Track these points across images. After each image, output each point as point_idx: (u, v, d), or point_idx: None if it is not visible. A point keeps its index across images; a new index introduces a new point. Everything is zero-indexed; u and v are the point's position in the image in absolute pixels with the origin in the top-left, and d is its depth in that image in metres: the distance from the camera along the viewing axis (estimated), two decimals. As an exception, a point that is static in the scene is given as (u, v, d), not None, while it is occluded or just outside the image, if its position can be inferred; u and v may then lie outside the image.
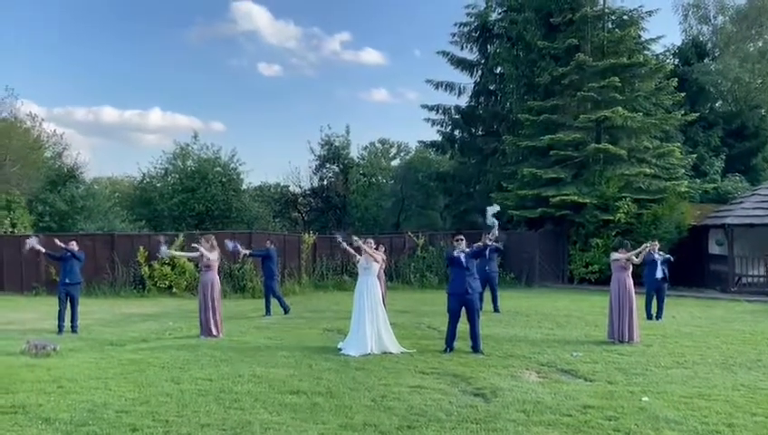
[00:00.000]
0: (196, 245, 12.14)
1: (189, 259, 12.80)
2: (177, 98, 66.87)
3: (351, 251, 10.75)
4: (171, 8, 63.51)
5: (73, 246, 12.61)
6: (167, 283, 20.30)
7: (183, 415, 6.29)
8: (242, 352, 9.79)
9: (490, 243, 9.98)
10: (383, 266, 11.97)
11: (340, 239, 11.01)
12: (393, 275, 22.42)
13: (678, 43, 33.60)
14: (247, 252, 15.90)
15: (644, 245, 12.57)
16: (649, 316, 14.12)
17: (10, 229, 22.75)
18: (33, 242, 12.45)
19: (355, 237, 10.71)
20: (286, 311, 15.07)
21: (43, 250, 12.53)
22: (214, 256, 11.85)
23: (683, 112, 26.10)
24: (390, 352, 9.70)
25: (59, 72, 62.14)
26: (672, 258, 14.74)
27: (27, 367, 8.50)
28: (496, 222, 11.15)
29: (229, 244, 13.41)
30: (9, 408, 6.50)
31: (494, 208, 12.60)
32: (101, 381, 7.65)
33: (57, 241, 12.68)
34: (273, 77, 65.41)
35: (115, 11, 62.41)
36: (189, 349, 10.04)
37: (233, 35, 64.91)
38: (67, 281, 12.32)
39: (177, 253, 14.02)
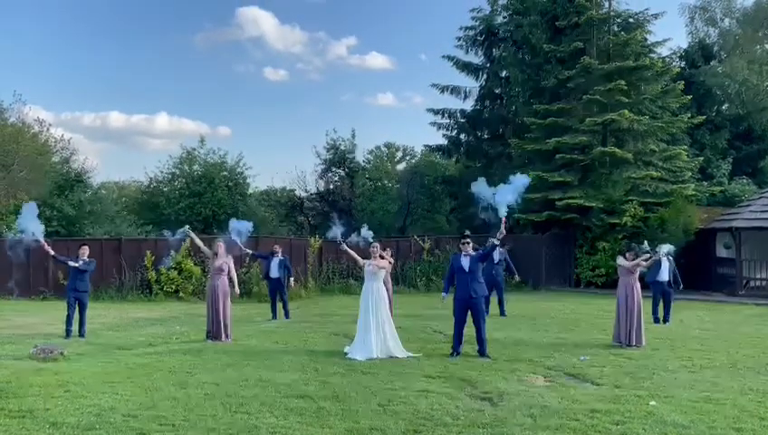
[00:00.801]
0: (218, 246, 12.08)
1: (202, 251, 12.69)
2: (183, 103, 67.15)
3: (352, 253, 10.65)
4: (178, 14, 63.86)
5: (85, 250, 12.61)
6: (173, 287, 20.36)
7: (189, 419, 6.30)
8: (248, 356, 9.80)
9: (497, 242, 9.93)
10: (390, 270, 11.94)
11: (339, 240, 10.78)
12: (399, 279, 22.43)
13: (685, 45, 33.61)
14: (249, 251, 15.83)
15: (653, 257, 12.51)
16: (656, 320, 14.07)
17: (18, 234, 22.86)
18: (36, 230, 11.86)
19: (375, 244, 10.67)
20: (287, 316, 15.13)
21: (52, 252, 12.49)
22: (225, 261, 11.90)
23: (689, 115, 26.04)
24: (396, 357, 9.69)
25: (66, 77, 62.52)
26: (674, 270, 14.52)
27: (35, 371, 8.53)
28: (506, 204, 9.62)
29: (234, 231, 13.28)
30: (17, 412, 6.53)
31: (481, 184, 10.12)
32: (108, 386, 7.67)
33: (72, 263, 12.42)
34: (280, 82, 65.58)
35: (122, 17, 62.79)
36: (196, 353, 10.07)
37: (239, 41, 65.16)
38: (76, 287, 12.33)
39: (196, 239, 13.37)
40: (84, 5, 60.35)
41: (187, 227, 12.56)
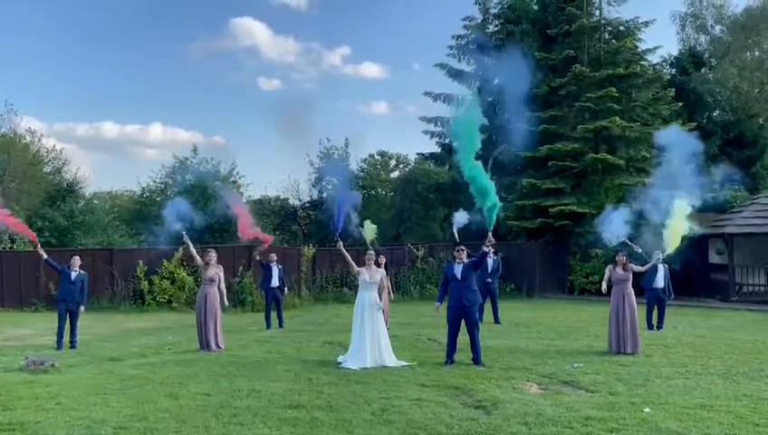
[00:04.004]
0: (210, 255, 12.04)
1: (194, 260, 12.51)
2: (177, 113, 67.00)
3: (348, 257, 10.54)
4: (172, 24, 63.67)
5: (76, 262, 12.53)
6: (166, 297, 20.25)
7: (181, 431, 6.24)
8: (241, 366, 9.74)
9: (487, 250, 9.91)
10: (387, 285, 11.88)
11: (337, 238, 10.60)
12: (393, 288, 22.38)
13: (675, 53, 33.75)
14: (257, 256, 15.68)
15: (651, 263, 12.54)
16: (650, 326, 14.08)
17: (9, 245, 22.72)
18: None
19: (370, 252, 10.56)
20: (281, 325, 15.08)
21: (45, 256, 12.46)
22: (216, 271, 11.86)
23: (681, 122, 26.14)
24: (390, 366, 9.63)
25: (60, 88, 62.26)
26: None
27: (26, 383, 8.45)
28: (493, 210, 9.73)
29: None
30: (7, 425, 6.45)
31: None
32: (100, 398, 7.60)
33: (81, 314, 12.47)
34: (274, 91, 65.57)
35: (116, 27, 62.70)
36: (188, 364, 9.99)
37: (233, 51, 65.08)
38: (67, 299, 12.24)
39: (191, 246, 12.31)
40: (78, 16, 60.30)
41: (184, 233, 12.47)
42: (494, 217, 9.64)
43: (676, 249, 11.71)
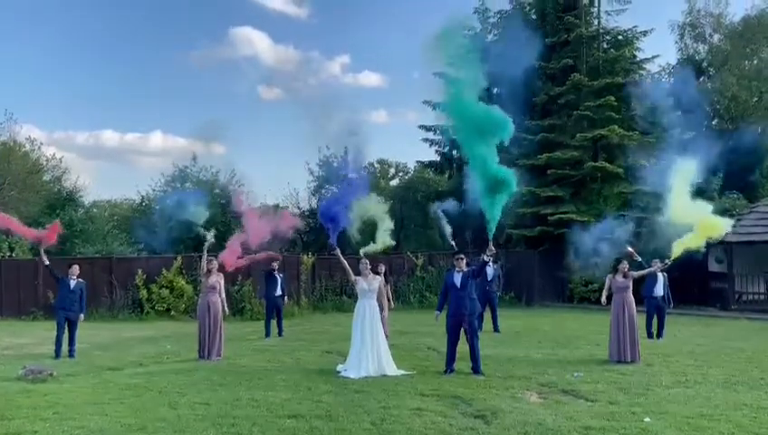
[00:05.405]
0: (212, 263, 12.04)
1: (201, 267, 12.45)
2: (177, 121, 67.00)
3: (345, 264, 10.51)
4: (172, 33, 63.78)
5: (75, 270, 12.51)
6: (165, 306, 20.21)
7: (180, 441, 6.21)
8: (240, 375, 9.71)
9: (488, 259, 9.90)
10: (385, 291, 11.83)
11: (334, 245, 10.61)
12: (393, 296, 22.32)
13: (674, 61, 33.89)
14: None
15: (650, 269, 12.52)
16: (650, 335, 14.05)
17: (8, 253, 22.68)
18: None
19: (365, 260, 10.50)
20: (280, 334, 15.07)
21: (47, 262, 12.51)
22: (218, 279, 11.86)
23: (679, 130, 26.20)
24: (389, 375, 9.60)
25: (60, 96, 62.31)
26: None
27: (24, 393, 8.42)
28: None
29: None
30: (4, 435, 6.44)
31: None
32: (98, 407, 7.57)
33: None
34: (274, 100, 65.66)
35: (116, 35, 62.84)
36: (187, 373, 9.96)
37: (233, 59, 65.17)
38: (66, 307, 12.21)
39: (206, 254, 12.40)
40: (78, 24, 60.44)
41: (210, 237, 12.54)
42: (500, 209, 9.53)
43: (678, 257, 11.44)
